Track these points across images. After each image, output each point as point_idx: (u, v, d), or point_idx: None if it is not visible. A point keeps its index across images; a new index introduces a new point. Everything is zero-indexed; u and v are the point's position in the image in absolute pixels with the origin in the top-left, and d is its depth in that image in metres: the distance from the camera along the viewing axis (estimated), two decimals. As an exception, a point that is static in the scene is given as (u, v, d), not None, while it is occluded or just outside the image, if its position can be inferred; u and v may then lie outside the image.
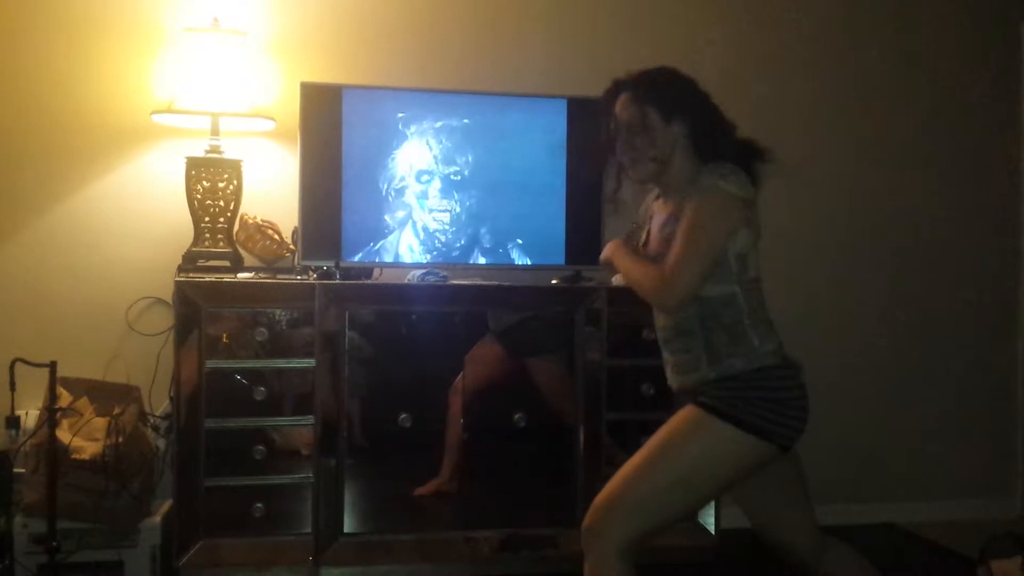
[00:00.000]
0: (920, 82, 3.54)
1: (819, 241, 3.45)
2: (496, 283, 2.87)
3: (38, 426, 2.61)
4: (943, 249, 3.57)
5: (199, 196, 2.77)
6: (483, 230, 2.87)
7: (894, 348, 3.53)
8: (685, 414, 1.83)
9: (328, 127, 2.74)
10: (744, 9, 3.39)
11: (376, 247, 2.80)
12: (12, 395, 2.53)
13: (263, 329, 2.62)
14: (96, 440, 2.62)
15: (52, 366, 2.52)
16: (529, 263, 2.91)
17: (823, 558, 1.93)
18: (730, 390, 1.80)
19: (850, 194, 3.48)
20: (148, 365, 2.85)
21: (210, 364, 2.59)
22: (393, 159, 2.81)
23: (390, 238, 2.81)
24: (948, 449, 3.57)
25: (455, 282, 2.84)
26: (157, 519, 2.68)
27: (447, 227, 2.85)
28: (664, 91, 1.86)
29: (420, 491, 2.72)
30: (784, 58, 3.42)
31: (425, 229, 2.83)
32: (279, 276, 2.76)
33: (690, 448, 1.80)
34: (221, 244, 2.80)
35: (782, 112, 3.39)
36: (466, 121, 2.84)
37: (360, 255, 2.79)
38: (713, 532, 2.86)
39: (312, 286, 2.63)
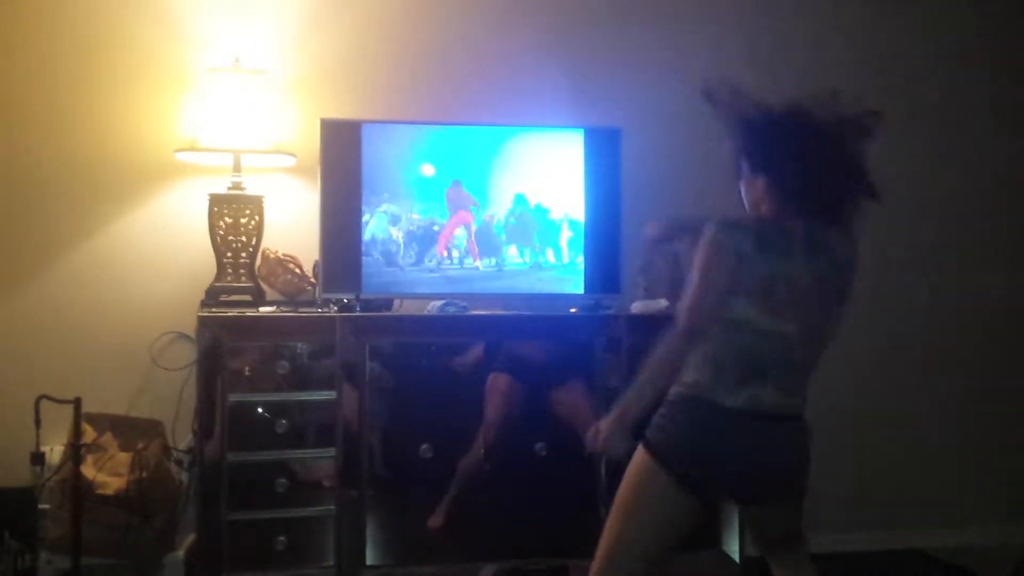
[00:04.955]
0: (952, 83, 3.52)
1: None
2: (516, 312, 2.88)
3: (63, 462, 2.62)
4: (972, 270, 3.54)
5: (222, 232, 2.81)
6: (502, 260, 2.89)
7: (923, 371, 3.49)
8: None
9: (348, 162, 2.77)
10: (766, 27, 3.39)
11: (396, 278, 2.82)
12: (37, 431, 2.56)
13: (285, 362, 2.63)
14: (120, 475, 2.63)
15: (77, 402, 2.54)
16: (548, 292, 2.92)
17: None
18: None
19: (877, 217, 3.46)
20: (172, 399, 2.87)
21: (232, 398, 2.60)
22: (412, 192, 2.84)
23: (409, 269, 2.83)
24: (977, 473, 3.52)
25: (475, 312, 2.85)
26: (181, 553, 2.68)
27: (466, 257, 2.87)
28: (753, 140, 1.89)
29: (432, 523, 2.71)
30: (806, 67, 3.42)
31: (444, 259, 2.85)
32: (300, 309, 2.78)
33: (627, 480, 1.87)
34: (243, 279, 2.83)
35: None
36: (485, 153, 2.88)
37: (380, 287, 2.81)
38: (737, 561, 2.83)
39: (333, 319, 2.66)
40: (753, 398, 1.79)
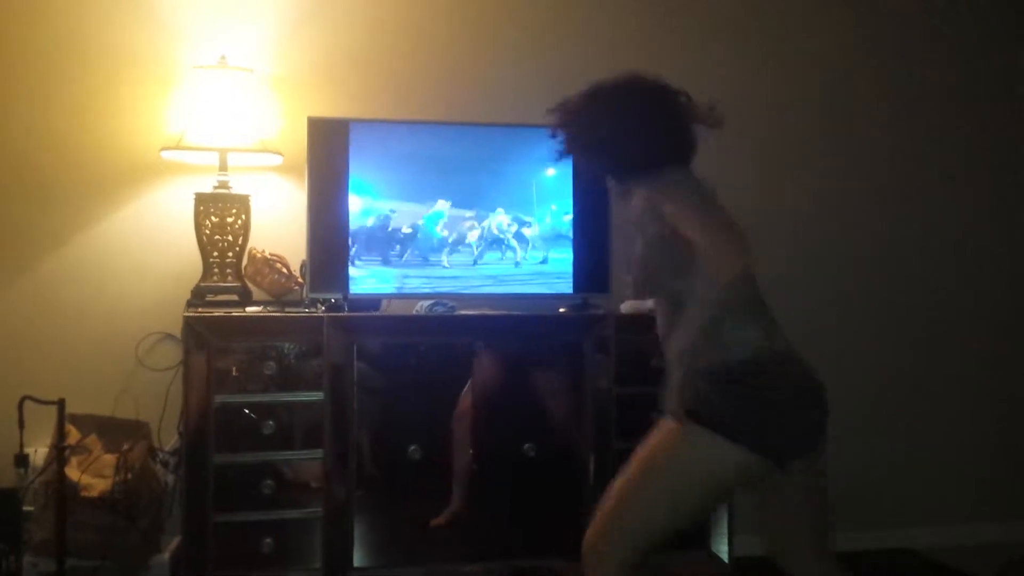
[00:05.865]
0: (934, 84, 3.54)
1: (834, 255, 3.43)
2: (504, 312, 2.87)
3: (47, 464, 2.60)
4: (966, 264, 3.56)
5: (208, 231, 2.78)
6: (490, 259, 2.88)
7: (911, 368, 3.50)
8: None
9: (335, 161, 2.75)
10: (747, 16, 3.39)
11: (383, 278, 2.81)
12: (21, 433, 2.53)
13: (271, 362, 2.62)
14: (105, 477, 2.61)
15: (61, 404, 2.52)
16: (536, 292, 2.91)
17: None
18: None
19: (870, 209, 3.48)
20: (157, 400, 2.85)
21: (219, 399, 2.58)
22: (400, 191, 2.82)
23: (398, 269, 2.81)
24: (967, 471, 3.53)
25: (463, 312, 2.84)
26: (166, 556, 2.66)
27: (454, 257, 2.85)
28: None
29: (435, 522, 2.69)
30: (792, 64, 3.43)
31: (432, 259, 2.84)
32: (287, 309, 2.76)
33: (672, 456, 1.74)
34: (230, 279, 2.81)
35: (793, 114, 3.42)
36: (473, 152, 2.86)
37: (368, 287, 2.79)
38: (727, 560, 2.83)
39: (320, 319, 2.64)
40: (785, 341, 1.78)
